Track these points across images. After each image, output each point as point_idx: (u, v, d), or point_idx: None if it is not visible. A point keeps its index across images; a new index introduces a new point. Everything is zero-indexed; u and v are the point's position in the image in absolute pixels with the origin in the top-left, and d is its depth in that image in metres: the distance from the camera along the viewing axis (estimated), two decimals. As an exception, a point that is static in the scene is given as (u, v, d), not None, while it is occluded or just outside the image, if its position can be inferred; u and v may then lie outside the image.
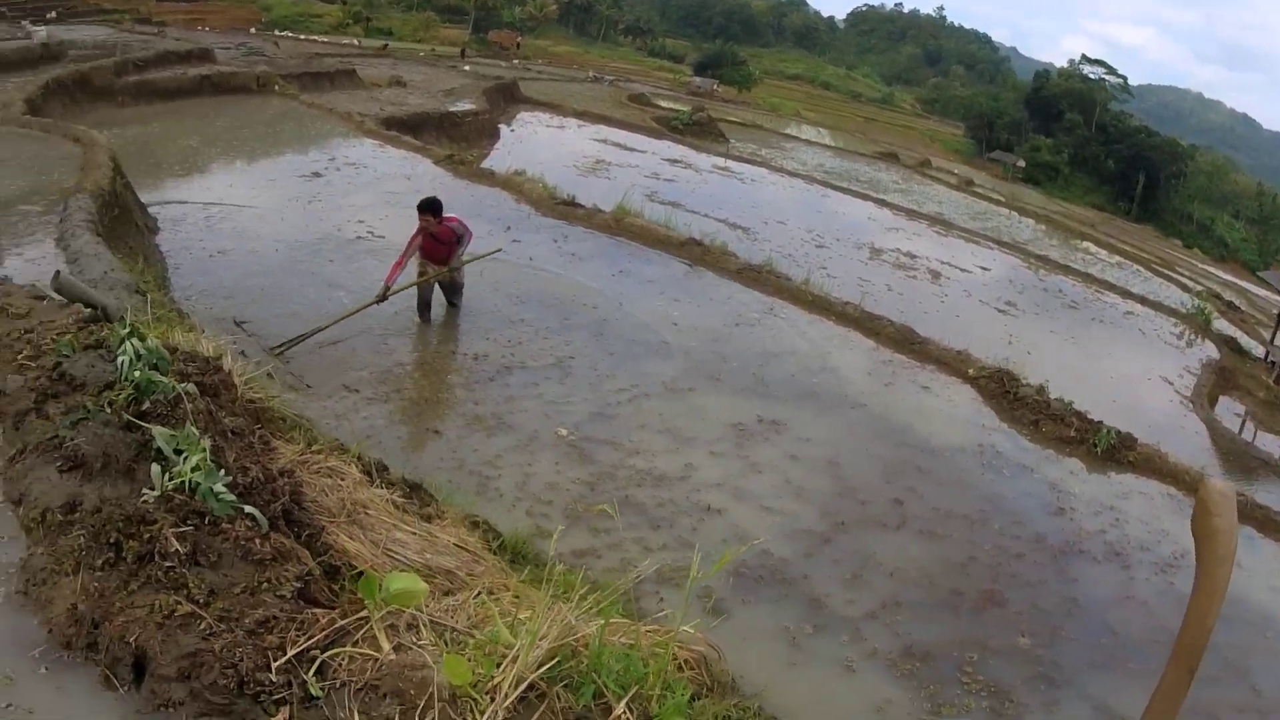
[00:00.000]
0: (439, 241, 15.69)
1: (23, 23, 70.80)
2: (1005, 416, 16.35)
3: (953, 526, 12.04)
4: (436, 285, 16.13)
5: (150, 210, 19.03)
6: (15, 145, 19.84)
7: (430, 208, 15.67)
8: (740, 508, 11.29)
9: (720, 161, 46.92)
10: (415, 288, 15.80)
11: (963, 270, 32.37)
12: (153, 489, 4.80)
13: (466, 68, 78.50)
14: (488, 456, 11.43)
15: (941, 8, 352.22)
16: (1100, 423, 16.04)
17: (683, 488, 11.37)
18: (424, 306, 16.00)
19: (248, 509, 4.91)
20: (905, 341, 18.50)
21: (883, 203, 45.41)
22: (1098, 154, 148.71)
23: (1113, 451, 15.57)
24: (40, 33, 52.78)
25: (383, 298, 14.92)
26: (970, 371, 17.62)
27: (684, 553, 9.85)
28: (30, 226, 13.72)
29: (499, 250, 17.18)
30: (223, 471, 5.07)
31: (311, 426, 8.56)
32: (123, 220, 16.39)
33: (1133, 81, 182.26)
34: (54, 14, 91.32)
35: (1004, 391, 16.94)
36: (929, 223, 43.11)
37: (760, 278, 20.62)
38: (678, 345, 16.19)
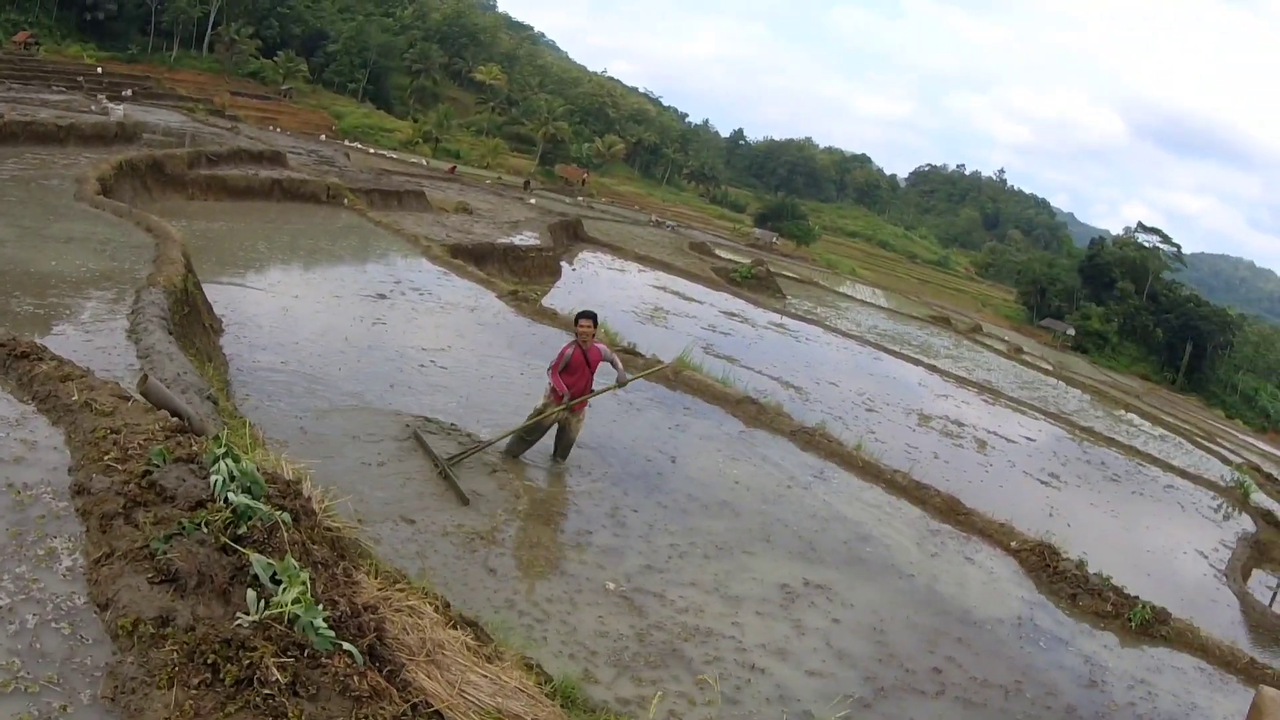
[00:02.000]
0: (586, 363, 15.57)
1: (99, 96, 72.73)
2: (1044, 589, 16.51)
3: (989, 695, 12.20)
4: (550, 431, 16.00)
5: (215, 311, 19.29)
6: (88, 225, 20.35)
7: (593, 316, 15.69)
8: (784, 668, 11.40)
9: (776, 318, 47.65)
10: (539, 417, 15.54)
11: (1009, 440, 32.69)
12: (248, 614, 5.07)
13: (532, 200, 79.73)
14: (537, 599, 11.58)
15: (1002, 170, 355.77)
16: (1136, 597, 16.27)
17: (729, 645, 11.50)
18: (526, 445, 15.84)
19: (345, 645, 5.16)
20: (952, 512, 18.67)
21: (934, 368, 45.87)
22: (1147, 323, 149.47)
23: (1147, 625, 15.76)
24: (117, 110, 54.11)
25: (568, 408, 15.26)
26: (1013, 544, 17.79)
27: (727, 709, 10.09)
28: (100, 313, 14.00)
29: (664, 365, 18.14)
30: (320, 606, 5.33)
31: (377, 559, 8.62)
32: (192, 319, 16.49)
33: (1186, 249, 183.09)
34: (129, 92, 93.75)
35: (1044, 565, 17.09)
36: (978, 390, 43.44)
37: (813, 440, 20.74)
38: (731, 504, 16.29)
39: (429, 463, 14.50)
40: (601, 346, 15.86)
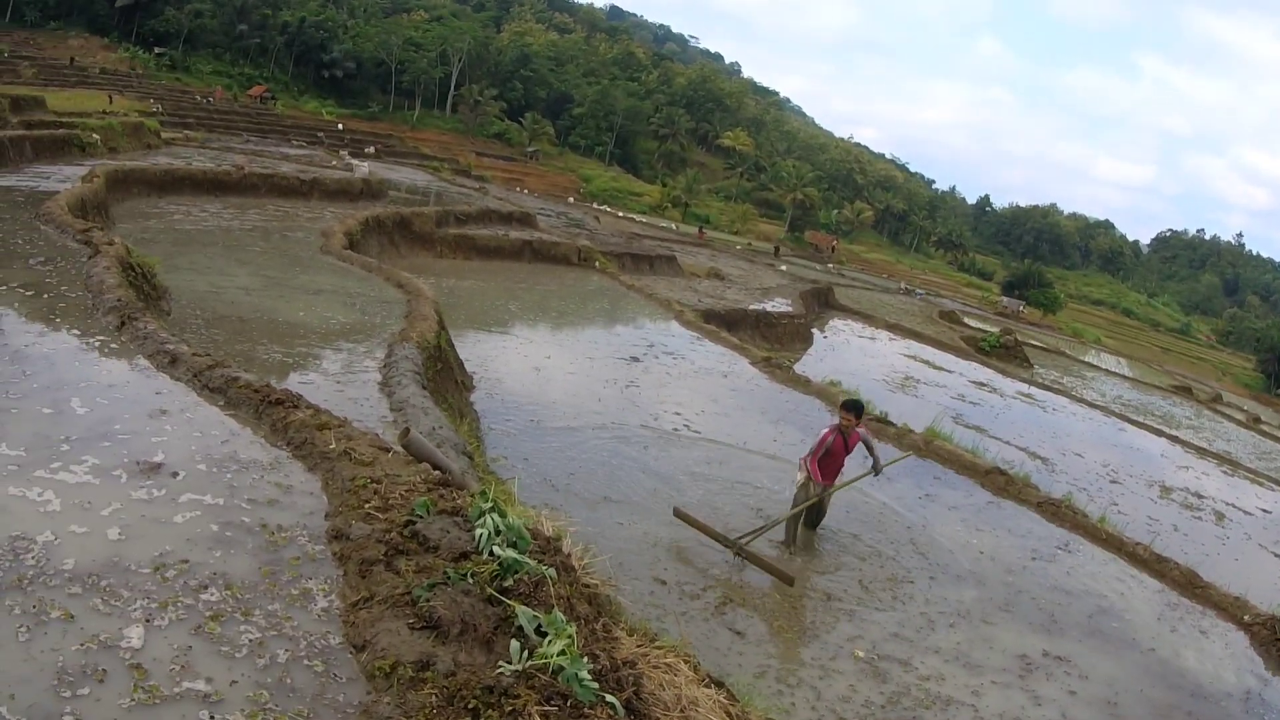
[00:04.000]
0: (845, 448, 15.44)
1: (341, 153, 74.29)
2: (1272, 664, 15.80)
3: (1212, 771, 11.97)
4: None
5: (466, 368, 19.45)
6: (335, 278, 20.74)
7: (857, 409, 15.60)
8: (1021, 738, 11.20)
9: (1024, 388, 46.72)
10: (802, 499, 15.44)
11: (1245, 512, 31.49)
12: (510, 663, 5.11)
13: (783, 267, 79.72)
14: (787, 664, 11.59)
15: (1241, 235, 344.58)
16: (1360, 673, 15.58)
17: (967, 713, 11.37)
18: (799, 522, 15.57)
19: (608, 697, 5.15)
20: (1190, 585, 18.00)
21: (1175, 439, 44.37)
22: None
23: (1365, 698, 15.14)
24: (363, 168, 55.27)
25: (820, 495, 15.19)
26: (1245, 618, 17.30)
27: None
28: (351, 364, 14.14)
29: (910, 455, 17.96)
30: (584, 659, 5.33)
31: (630, 617, 8.62)
32: (444, 375, 16.54)
33: None
34: (373, 149, 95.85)
35: (1275, 639, 16.60)
36: (1218, 461, 41.98)
37: (1059, 513, 20.18)
38: (976, 574, 16.01)
39: (698, 534, 14.39)
40: (862, 431, 15.69)
